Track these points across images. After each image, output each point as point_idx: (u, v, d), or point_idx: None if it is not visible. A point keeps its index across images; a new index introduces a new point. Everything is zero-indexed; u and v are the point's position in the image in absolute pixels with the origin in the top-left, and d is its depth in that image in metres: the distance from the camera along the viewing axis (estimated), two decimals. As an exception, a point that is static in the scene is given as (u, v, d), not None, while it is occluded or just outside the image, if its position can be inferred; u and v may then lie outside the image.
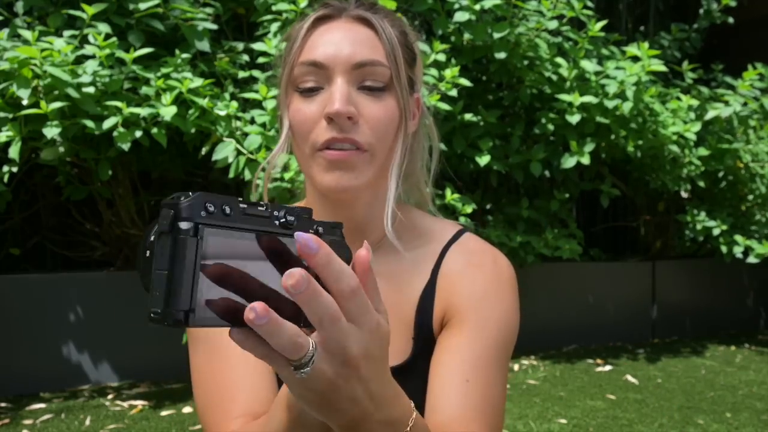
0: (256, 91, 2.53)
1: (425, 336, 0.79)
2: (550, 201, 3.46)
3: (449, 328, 0.78)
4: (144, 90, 2.46)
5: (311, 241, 0.41)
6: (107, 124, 2.32)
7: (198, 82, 2.45)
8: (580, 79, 3.22)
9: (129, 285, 2.95)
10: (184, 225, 0.39)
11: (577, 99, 2.98)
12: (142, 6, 2.54)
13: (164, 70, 2.50)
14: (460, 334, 0.76)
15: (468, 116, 3.00)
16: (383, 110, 0.74)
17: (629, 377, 3.20)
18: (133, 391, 2.81)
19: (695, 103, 3.46)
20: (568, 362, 3.48)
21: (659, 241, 4.38)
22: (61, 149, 2.50)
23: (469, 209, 2.74)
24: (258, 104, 2.60)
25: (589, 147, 3.11)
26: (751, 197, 3.91)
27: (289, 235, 0.45)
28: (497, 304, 0.79)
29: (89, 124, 2.35)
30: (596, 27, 3.13)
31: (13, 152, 2.27)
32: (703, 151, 3.53)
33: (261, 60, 2.62)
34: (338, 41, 0.74)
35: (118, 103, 2.34)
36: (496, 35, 2.89)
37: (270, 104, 2.46)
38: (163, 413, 2.53)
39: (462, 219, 2.71)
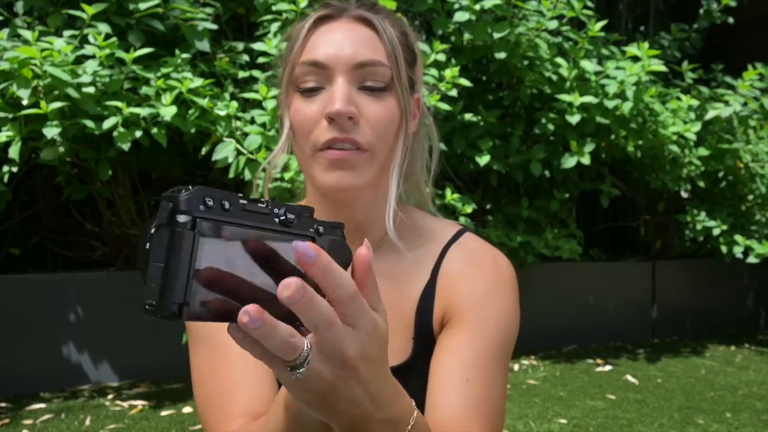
0: (256, 91, 2.53)
1: (425, 336, 0.79)
2: (550, 201, 3.46)
3: (449, 328, 0.78)
4: (144, 90, 2.46)
5: (309, 249, 0.41)
6: (107, 124, 2.32)
7: (198, 82, 2.45)
8: (580, 79, 3.22)
9: (129, 285, 2.95)
10: (181, 218, 0.39)
11: (577, 99, 2.98)
12: (142, 6, 2.54)
13: (164, 70, 2.50)
14: (460, 334, 0.76)
15: (468, 116, 3.00)
16: (384, 110, 0.74)
17: (629, 377, 3.20)
18: (133, 391, 2.81)
19: (695, 103, 3.46)
20: (568, 362, 3.48)
21: (659, 241, 4.38)
22: (61, 149, 2.50)
23: (469, 209, 2.74)
24: (258, 104, 2.60)
25: (589, 147, 3.11)
26: (751, 197, 3.91)
27: (288, 233, 0.45)
28: (497, 303, 0.79)
29: (89, 124, 2.35)
30: (596, 27, 3.13)
31: (13, 152, 2.27)
32: (703, 151, 3.53)
33: (261, 60, 2.62)
34: (339, 41, 0.74)
35: (118, 103, 2.34)
36: (496, 35, 2.89)
37: (270, 104, 2.46)
38: (163, 413, 2.53)
39: (462, 219, 2.71)
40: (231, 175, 2.40)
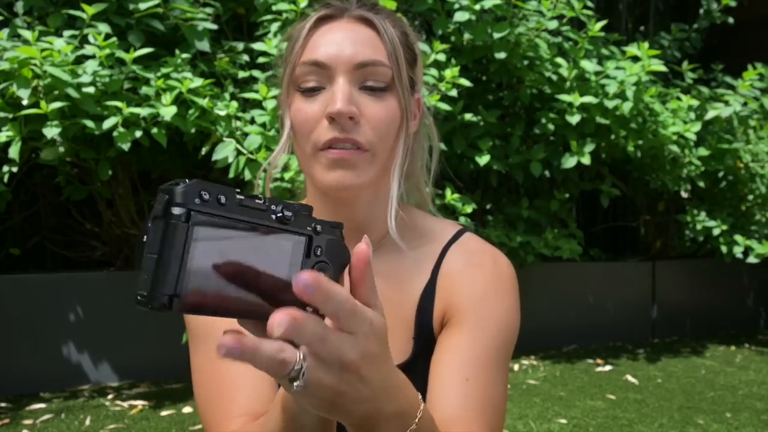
0: (256, 91, 2.53)
1: (425, 335, 0.80)
2: (550, 201, 3.46)
3: (449, 328, 0.78)
4: (144, 90, 2.46)
5: (308, 281, 0.41)
6: (107, 124, 2.32)
7: (198, 82, 2.45)
8: (580, 79, 3.22)
9: (129, 285, 2.95)
10: (176, 210, 0.39)
11: (577, 99, 2.98)
12: (142, 6, 2.54)
13: (164, 70, 2.50)
14: (460, 334, 0.76)
15: (468, 116, 3.00)
16: (384, 110, 0.74)
17: (629, 377, 3.20)
18: (133, 391, 2.81)
19: (695, 103, 3.46)
20: (568, 362, 3.48)
21: (659, 241, 4.38)
22: (61, 149, 2.50)
23: (469, 209, 2.74)
24: (258, 104, 2.60)
25: (589, 147, 3.11)
26: (751, 197, 3.91)
27: (284, 230, 0.45)
28: (497, 303, 0.79)
29: (89, 124, 2.35)
30: (596, 27, 3.13)
31: (13, 152, 2.27)
32: (703, 151, 3.53)
33: (261, 60, 2.62)
34: (340, 41, 0.74)
35: (118, 103, 2.34)
36: (496, 35, 2.89)
37: (270, 104, 2.46)
38: (163, 413, 2.53)
39: (462, 219, 2.71)
40: (231, 175, 2.40)
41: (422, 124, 0.85)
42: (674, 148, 3.34)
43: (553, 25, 3.00)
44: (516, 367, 3.34)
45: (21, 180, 3.02)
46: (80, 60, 2.47)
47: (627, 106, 3.05)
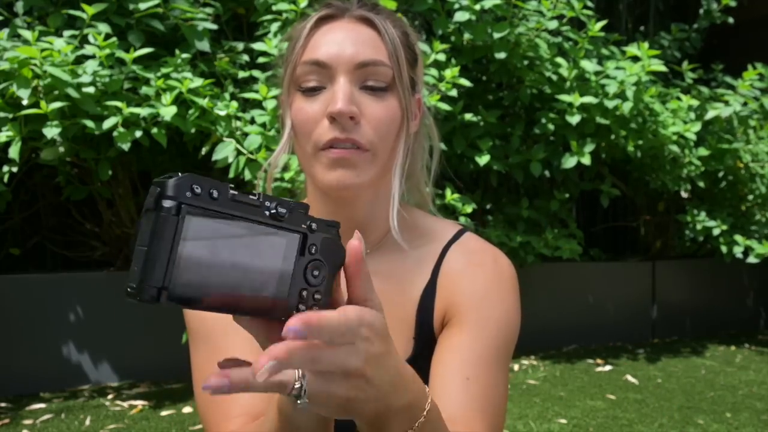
0: (256, 91, 2.53)
1: (426, 335, 0.80)
2: (550, 201, 3.46)
3: (450, 327, 0.78)
4: (144, 90, 2.46)
5: (298, 328, 0.41)
6: (107, 124, 2.32)
7: (198, 82, 2.45)
8: (580, 79, 3.22)
9: (129, 285, 2.94)
10: (166, 203, 0.39)
11: (577, 99, 2.98)
12: (142, 6, 2.54)
13: (164, 70, 2.50)
14: (461, 333, 0.76)
15: (468, 116, 3.00)
16: (385, 110, 0.74)
17: (629, 377, 3.20)
18: (133, 391, 2.81)
19: (695, 103, 3.46)
20: (568, 362, 3.48)
21: (659, 241, 4.38)
22: (61, 149, 2.50)
23: (469, 209, 2.73)
24: (258, 104, 2.60)
25: (589, 147, 3.11)
26: (751, 197, 3.91)
27: (278, 227, 0.45)
28: (498, 303, 0.79)
29: (89, 124, 2.35)
30: (596, 27, 3.13)
31: (13, 152, 2.27)
32: (703, 151, 3.53)
33: (261, 60, 2.62)
34: (341, 41, 0.74)
35: (118, 103, 2.34)
36: (496, 35, 2.89)
37: (270, 104, 2.46)
38: (163, 413, 2.53)
39: (462, 219, 2.71)
40: (231, 175, 2.40)
41: (422, 124, 0.85)
42: (674, 148, 3.34)
43: (553, 25, 3.00)
44: (516, 367, 3.34)
45: (21, 180, 3.02)
46: (80, 60, 2.47)
47: (627, 106, 3.05)
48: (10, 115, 2.32)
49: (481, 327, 0.76)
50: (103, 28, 2.51)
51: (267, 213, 0.44)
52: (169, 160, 3.03)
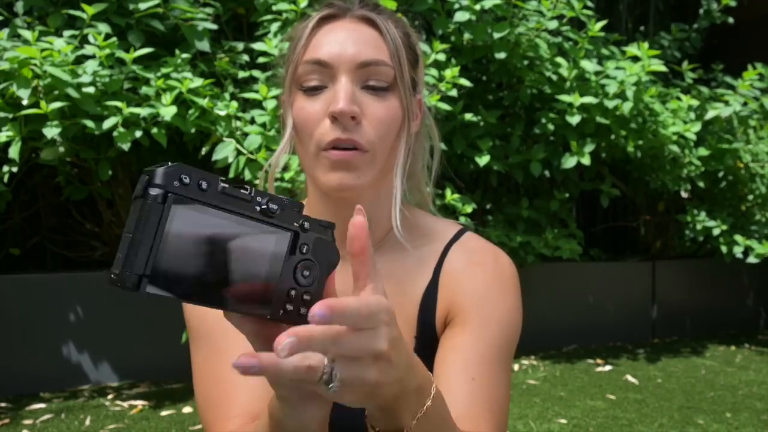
0: (256, 91, 2.53)
1: (428, 335, 0.80)
2: (550, 201, 3.46)
3: (452, 327, 0.78)
4: (144, 90, 2.46)
5: (324, 313, 0.41)
6: (107, 124, 2.32)
7: (198, 82, 2.45)
8: (580, 79, 3.22)
9: (129, 285, 2.94)
10: (153, 191, 0.39)
11: (577, 99, 2.98)
12: (142, 6, 2.54)
13: (164, 70, 2.50)
14: (464, 333, 0.76)
15: (468, 116, 3.00)
16: (386, 110, 0.74)
17: (629, 377, 3.20)
18: (133, 391, 2.81)
19: (695, 103, 3.46)
20: (568, 362, 3.48)
21: (659, 241, 4.38)
22: (61, 149, 2.50)
23: (469, 209, 2.73)
24: (258, 104, 2.60)
25: (589, 147, 3.11)
26: (751, 197, 3.91)
27: (268, 223, 0.44)
28: (499, 302, 0.79)
29: (89, 124, 2.35)
30: (596, 27, 3.13)
31: (13, 152, 2.27)
32: (703, 151, 3.53)
33: (261, 60, 2.62)
34: (343, 40, 0.74)
35: (118, 103, 2.34)
36: (496, 35, 2.89)
37: (270, 104, 2.46)
38: (163, 413, 2.53)
39: (462, 219, 2.71)
40: (231, 175, 2.40)
41: (423, 124, 0.85)
42: (674, 148, 3.34)
43: (553, 25, 3.00)
44: (516, 367, 3.34)
45: (21, 180, 3.02)
46: (80, 60, 2.47)
47: (627, 106, 3.05)
48: (10, 115, 2.32)
49: (483, 326, 0.76)
50: (103, 28, 2.51)
51: (257, 208, 0.44)
52: (169, 160, 3.02)
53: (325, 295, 0.49)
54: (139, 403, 2.63)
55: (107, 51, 2.39)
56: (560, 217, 3.60)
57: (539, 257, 3.34)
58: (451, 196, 2.71)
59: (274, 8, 2.61)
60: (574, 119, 2.98)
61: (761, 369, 3.42)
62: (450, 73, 2.69)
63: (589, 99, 3.00)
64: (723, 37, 5.06)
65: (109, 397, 2.71)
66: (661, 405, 2.78)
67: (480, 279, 0.80)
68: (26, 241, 3.30)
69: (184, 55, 2.60)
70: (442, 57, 2.76)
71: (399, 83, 0.75)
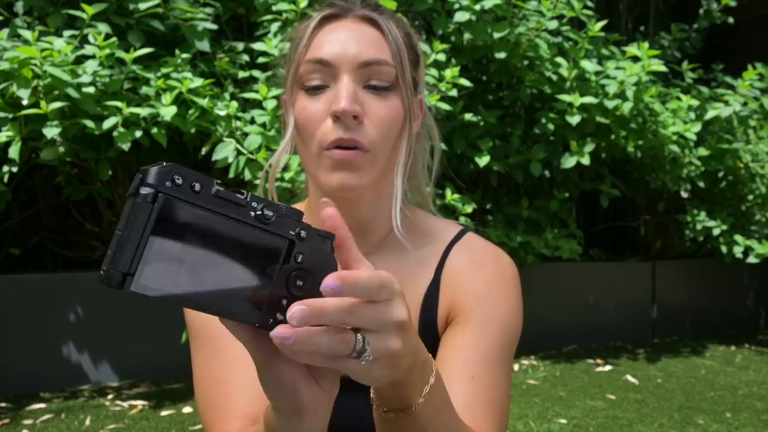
0: (256, 91, 2.53)
1: (430, 334, 0.80)
2: (550, 201, 3.46)
3: (454, 326, 0.78)
4: (144, 90, 2.46)
5: (335, 284, 0.41)
6: (107, 124, 2.32)
7: (198, 82, 2.45)
8: (580, 79, 3.22)
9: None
10: (143, 190, 0.39)
11: (577, 99, 2.98)
12: (142, 6, 2.54)
13: (164, 70, 2.50)
14: (465, 332, 0.77)
15: (468, 116, 3.00)
16: (388, 110, 0.74)
17: (629, 377, 3.20)
18: (133, 391, 2.81)
19: (695, 103, 3.46)
20: (568, 362, 3.48)
21: (659, 241, 4.38)
22: (61, 149, 2.50)
23: (469, 209, 2.73)
24: (258, 104, 2.60)
25: (589, 147, 3.11)
26: (751, 197, 3.91)
27: (263, 230, 0.43)
28: (500, 302, 0.79)
29: (89, 124, 2.35)
30: (596, 27, 3.13)
31: (13, 152, 2.27)
32: (703, 151, 3.53)
33: (261, 60, 2.62)
34: (345, 40, 0.74)
35: (118, 103, 2.34)
36: (496, 35, 2.89)
37: (270, 104, 2.46)
38: (163, 413, 2.53)
39: (462, 219, 2.71)
40: (231, 175, 2.40)
41: (423, 124, 0.85)
42: (674, 148, 3.34)
43: (553, 25, 3.00)
44: (516, 367, 3.34)
45: (21, 180, 3.02)
46: (80, 60, 2.47)
47: (627, 106, 3.05)
48: (10, 115, 2.32)
49: (484, 326, 0.77)
50: (103, 28, 2.51)
51: (252, 214, 0.43)
52: (168, 160, 3.03)
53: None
54: (139, 403, 2.63)
55: (107, 51, 2.39)
56: (560, 217, 3.60)
57: (539, 257, 3.34)
58: (451, 196, 2.71)
59: (274, 8, 2.61)
60: (574, 119, 2.98)
61: (761, 369, 3.42)
62: (450, 73, 2.69)
63: (589, 99, 3.00)
64: (723, 37, 5.06)
65: (109, 397, 2.71)
66: (661, 405, 2.78)
67: (481, 278, 0.80)
68: (26, 241, 3.30)
69: (184, 55, 2.60)
70: (442, 57, 2.76)
71: (401, 83, 0.75)
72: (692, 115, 3.51)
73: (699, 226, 3.66)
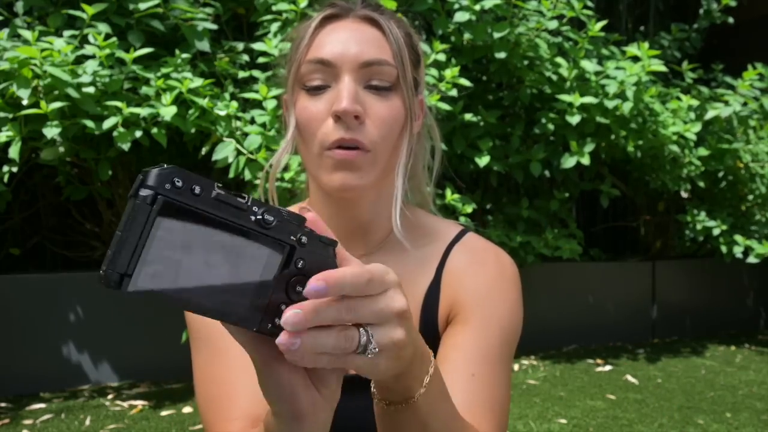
0: (256, 91, 2.53)
1: (430, 334, 0.80)
2: (550, 201, 3.46)
3: (454, 325, 0.78)
4: (144, 90, 2.46)
5: (317, 286, 0.41)
6: (107, 124, 2.32)
7: (198, 82, 2.45)
8: (580, 79, 3.22)
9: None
10: (143, 192, 0.39)
11: (577, 99, 2.98)
12: (142, 6, 2.54)
13: (164, 70, 2.50)
14: (465, 331, 0.77)
15: (468, 116, 3.00)
16: (389, 109, 0.74)
17: (629, 377, 3.20)
18: (133, 391, 2.81)
19: (695, 103, 3.46)
20: (568, 362, 3.48)
21: (659, 241, 4.38)
22: (61, 149, 2.50)
23: (469, 209, 2.73)
24: (258, 104, 2.60)
25: (589, 147, 3.11)
26: (751, 197, 3.91)
27: (263, 235, 0.43)
28: (501, 301, 0.79)
29: (89, 124, 2.35)
30: (596, 27, 3.13)
31: (13, 152, 2.27)
32: (703, 151, 3.53)
33: (261, 60, 2.62)
34: (346, 40, 0.74)
35: (118, 103, 2.34)
36: (496, 35, 2.89)
37: (270, 104, 2.46)
38: (163, 413, 2.52)
39: (462, 219, 2.71)
40: (231, 175, 2.40)
41: (424, 124, 0.85)
42: (674, 148, 3.34)
43: (553, 25, 3.00)
44: (516, 367, 3.34)
45: (21, 180, 3.02)
46: (80, 60, 2.47)
47: (627, 106, 3.05)
48: (10, 115, 2.32)
49: (484, 325, 0.77)
50: (103, 28, 2.51)
51: (252, 218, 0.43)
52: (169, 160, 3.03)
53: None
54: (139, 403, 2.63)
55: (107, 51, 2.39)
56: (560, 217, 3.60)
57: (539, 257, 3.34)
58: (451, 196, 2.71)
59: (274, 8, 2.61)
60: (574, 119, 2.98)
61: (761, 369, 3.42)
62: (450, 73, 2.69)
63: (589, 99, 3.00)
64: (723, 37, 5.06)
65: (109, 397, 2.71)
66: (661, 405, 2.78)
67: (482, 278, 0.80)
68: (26, 241, 3.30)
69: (184, 55, 2.60)
70: (442, 57, 2.76)
71: (402, 83, 0.75)
72: (692, 115, 3.51)
73: (699, 226, 3.66)
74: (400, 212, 0.78)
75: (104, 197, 2.99)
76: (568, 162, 3.10)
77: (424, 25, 3.27)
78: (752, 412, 2.71)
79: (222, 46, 2.95)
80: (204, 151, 2.57)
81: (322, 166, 0.74)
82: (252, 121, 2.55)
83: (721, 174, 3.91)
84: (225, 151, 2.40)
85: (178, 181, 0.40)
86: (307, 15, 2.51)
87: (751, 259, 3.58)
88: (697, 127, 3.34)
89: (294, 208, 0.86)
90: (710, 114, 3.54)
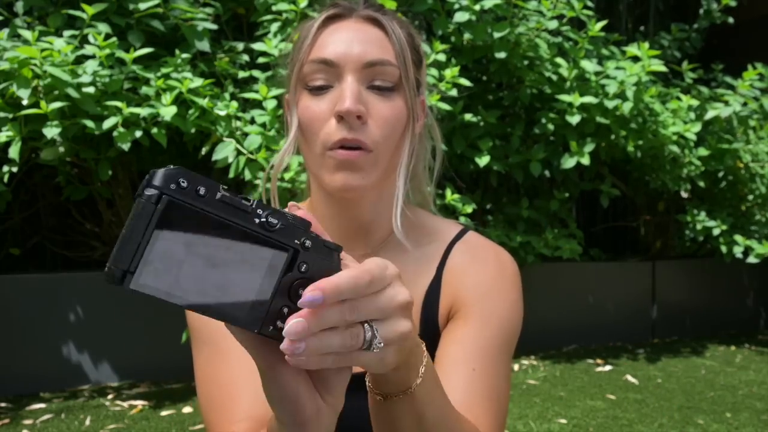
0: (256, 91, 2.53)
1: (431, 332, 0.80)
2: (550, 201, 3.46)
3: (455, 321, 0.79)
4: (144, 90, 2.46)
5: (312, 297, 0.41)
6: (107, 124, 2.32)
7: (198, 82, 2.44)
8: (580, 79, 3.22)
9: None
10: (148, 191, 0.39)
11: (577, 99, 2.98)
12: (142, 6, 2.54)
13: (164, 70, 2.50)
14: (465, 326, 0.77)
15: (468, 116, 3.00)
16: (391, 110, 0.75)
17: (629, 377, 3.20)
18: (133, 391, 2.81)
19: (695, 103, 3.46)
20: (568, 362, 3.48)
21: (659, 241, 4.38)
22: (61, 149, 2.50)
23: (469, 209, 2.73)
24: (258, 104, 2.60)
25: (589, 147, 3.11)
26: (751, 197, 3.91)
27: (267, 238, 0.43)
28: (501, 299, 0.80)
29: (89, 124, 2.35)
30: (596, 27, 3.13)
31: (13, 152, 2.27)
32: (703, 151, 3.53)
33: (261, 60, 2.62)
34: (349, 40, 0.74)
35: (118, 103, 2.34)
36: (496, 35, 2.89)
37: (270, 104, 2.46)
38: (163, 413, 2.52)
39: (462, 219, 2.71)
40: (231, 175, 2.40)
41: (425, 124, 0.85)
42: (674, 148, 3.34)
43: (553, 25, 3.00)
44: (516, 367, 3.34)
45: (21, 180, 3.02)
46: (80, 60, 2.47)
47: (627, 106, 3.05)
48: (10, 115, 2.32)
49: (485, 321, 0.77)
50: (103, 28, 2.51)
51: (257, 221, 0.43)
52: (169, 160, 3.03)
53: None
54: (139, 403, 2.63)
55: (107, 51, 2.39)
56: (560, 217, 3.60)
57: (539, 257, 3.34)
58: (451, 196, 2.71)
59: (274, 8, 2.61)
60: (574, 119, 2.98)
61: (761, 369, 3.42)
62: (450, 73, 2.69)
63: (589, 99, 3.00)
64: (723, 37, 5.06)
65: (109, 397, 2.71)
66: (661, 405, 2.78)
67: (482, 275, 0.81)
68: (26, 241, 3.29)
69: (184, 55, 2.59)
70: (442, 57, 2.76)
71: (404, 83, 0.75)
72: (692, 115, 3.51)
73: (699, 226, 3.66)
74: (401, 212, 0.78)
75: (104, 197, 2.99)
76: (568, 162, 3.10)
77: (424, 26, 3.27)
78: (752, 412, 2.71)
79: (222, 46, 2.95)
80: (204, 151, 2.57)
81: (324, 166, 0.74)
82: (252, 121, 2.55)
83: (721, 174, 3.91)
84: (225, 151, 2.40)
85: (183, 182, 0.40)
86: (307, 15, 2.51)
87: (751, 259, 3.58)
88: (697, 127, 3.34)
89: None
90: (710, 114, 3.54)
